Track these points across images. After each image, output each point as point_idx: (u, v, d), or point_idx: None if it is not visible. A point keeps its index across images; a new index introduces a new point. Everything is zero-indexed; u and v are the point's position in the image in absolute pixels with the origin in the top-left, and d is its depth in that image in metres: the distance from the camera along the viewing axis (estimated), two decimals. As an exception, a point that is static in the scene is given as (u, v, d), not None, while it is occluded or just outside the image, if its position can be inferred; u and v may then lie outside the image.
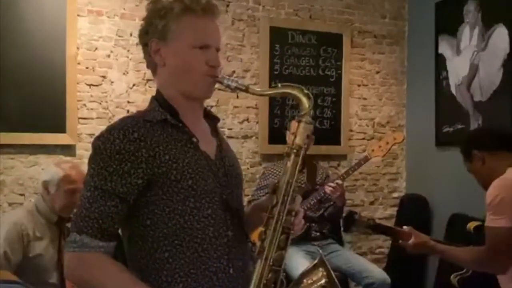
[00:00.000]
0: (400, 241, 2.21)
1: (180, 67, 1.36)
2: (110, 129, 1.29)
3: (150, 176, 1.26)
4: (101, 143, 1.27)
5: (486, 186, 2.11)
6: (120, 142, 1.25)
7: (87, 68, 3.46)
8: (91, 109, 3.47)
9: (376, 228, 2.23)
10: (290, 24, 3.98)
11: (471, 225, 2.51)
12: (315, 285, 1.44)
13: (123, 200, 1.25)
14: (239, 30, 3.86)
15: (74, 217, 1.28)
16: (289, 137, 3.68)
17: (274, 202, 1.32)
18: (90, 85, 3.47)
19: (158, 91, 1.42)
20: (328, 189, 3.17)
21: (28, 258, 2.34)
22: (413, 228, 2.22)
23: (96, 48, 3.48)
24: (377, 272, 3.06)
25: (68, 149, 3.37)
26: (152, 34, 1.37)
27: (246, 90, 1.39)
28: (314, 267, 1.47)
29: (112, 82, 3.52)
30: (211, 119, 1.50)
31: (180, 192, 1.28)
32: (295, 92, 1.37)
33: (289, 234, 1.32)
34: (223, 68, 3.78)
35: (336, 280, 1.47)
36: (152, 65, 1.42)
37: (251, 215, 1.48)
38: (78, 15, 3.41)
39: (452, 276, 2.42)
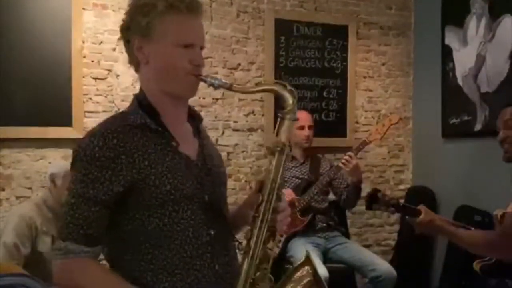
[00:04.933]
0: (407, 217, 2.15)
1: (163, 66, 1.35)
2: (90, 135, 1.29)
3: (130, 183, 1.27)
4: (81, 150, 1.27)
5: None
6: (100, 149, 1.25)
7: (92, 61, 3.47)
8: (97, 102, 3.48)
9: (396, 207, 2.19)
10: (295, 16, 3.97)
11: (499, 212, 2.45)
12: (302, 283, 1.44)
13: (105, 206, 1.26)
14: (244, 22, 3.84)
15: (59, 224, 1.29)
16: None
17: (259, 201, 1.33)
18: (95, 78, 3.48)
19: (141, 90, 1.42)
20: (341, 161, 3.19)
21: (35, 252, 2.36)
22: (423, 206, 2.16)
23: (101, 42, 3.49)
24: (384, 266, 3.06)
25: (74, 143, 3.32)
26: (135, 31, 1.35)
27: (230, 88, 1.38)
28: (301, 265, 1.47)
29: (117, 75, 3.53)
30: (194, 119, 1.50)
31: (159, 197, 1.29)
32: (278, 88, 1.37)
33: (275, 232, 1.33)
34: (228, 61, 3.79)
35: (322, 278, 1.47)
36: (134, 62, 1.41)
37: (240, 212, 1.49)
38: (83, 9, 3.42)
39: (474, 263, 2.34)
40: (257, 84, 1.43)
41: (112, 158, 1.26)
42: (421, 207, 2.14)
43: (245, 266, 1.30)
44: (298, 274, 1.45)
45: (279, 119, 1.37)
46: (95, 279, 1.26)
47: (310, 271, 1.45)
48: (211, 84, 1.36)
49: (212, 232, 1.36)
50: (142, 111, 1.36)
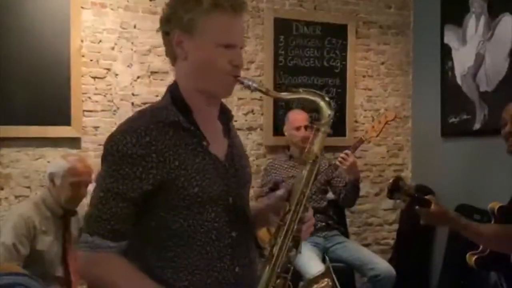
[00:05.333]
0: (417, 207, 2.04)
1: (203, 64, 1.33)
2: (123, 131, 1.28)
3: (159, 182, 1.27)
4: (114, 144, 1.27)
5: None
6: (133, 146, 1.25)
7: (91, 60, 3.46)
8: (96, 101, 3.47)
9: (411, 196, 2.12)
10: (295, 15, 3.96)
11: (494, 205, 2.40)
12: None
13: (134, 203, 1.27)
14: (243, 21, 3.83)
15: (86, 217, 1.30)
16: (287, 131, 3.61)
17: (286, 209, 1.31)
18: (94, 77, 3.47)
19: (175, 84, 1.40)
20: (338, 160, 3.18)
21: (34, 251, 2.35)
22: (433, 197, 2.10)
23: (100, 41, 3.48)
24: (383, 265, 3.06)
25: (73, 142, 3.37)
26: (176, 25, 1.33)
27: (266, 92, 1.37)
28: (320, 277, 1.46)
29: (116, 74, 3.52)
30: (225, 115, 1.48)
31: (186, 199, 1.28)
32: (316, 99, 1.34)
33: (299, 242, 1.32)
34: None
35: None
36: (171, 55, 1.39)
37: (261, 213, 1.47)
38: (82, 8, 3.41)
39: (468, 255, 2.31)
40: (294, 92, 1.40)
41: (144, 156, 1.25)
42: (430, 198, 2.08)
43: (266, 273, 1.29)
44: (317, 286, 1.44)
45: (314, 130, 1.35)
46: (120, 275, 1.27)
47: (330, 283, 1.44)
48: (248, 86, 1.34)
49: (234, 235, 1.35)
50: (174, 107, 1.34)
